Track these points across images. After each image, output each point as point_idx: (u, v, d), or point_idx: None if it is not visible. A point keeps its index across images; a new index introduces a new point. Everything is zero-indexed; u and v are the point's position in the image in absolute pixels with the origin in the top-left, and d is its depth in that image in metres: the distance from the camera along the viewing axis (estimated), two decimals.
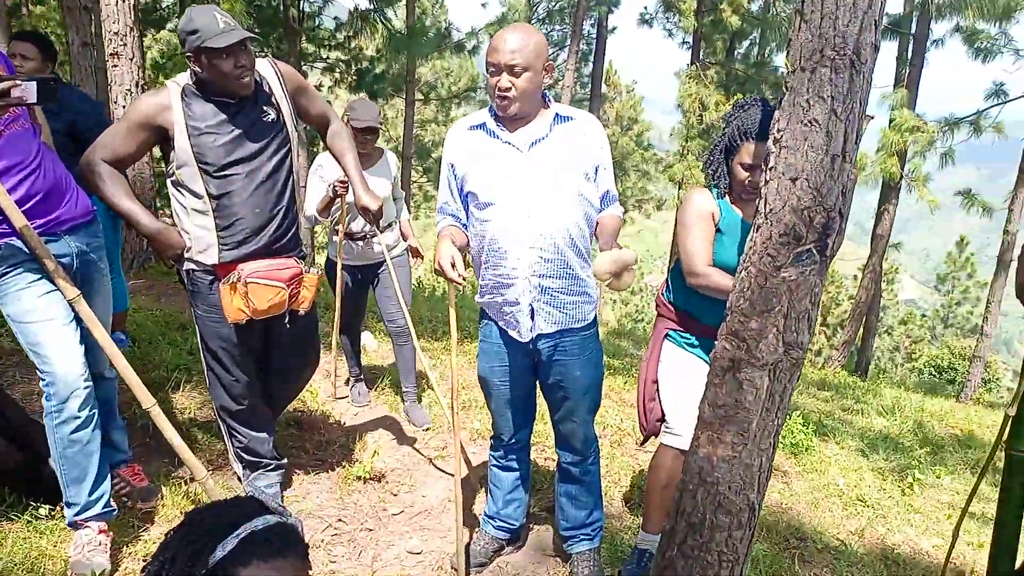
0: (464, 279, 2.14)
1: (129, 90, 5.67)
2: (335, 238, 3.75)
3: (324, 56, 15.78)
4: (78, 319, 2.32)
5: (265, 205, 2.55)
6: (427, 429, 3.84)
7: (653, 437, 2.76)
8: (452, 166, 2.35)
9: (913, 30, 11.79)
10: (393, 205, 3.81)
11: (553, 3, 20.91)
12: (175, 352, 4.04)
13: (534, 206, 2.20)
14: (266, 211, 2.56)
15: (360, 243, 3.76)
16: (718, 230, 2.44)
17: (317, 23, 15.34)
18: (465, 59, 23.03)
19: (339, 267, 3.74)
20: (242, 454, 2.88)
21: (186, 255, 2.57)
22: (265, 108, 2.55)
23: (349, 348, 4.17)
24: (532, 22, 20.67)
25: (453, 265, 2.12)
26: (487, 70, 2.18)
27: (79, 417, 2.27)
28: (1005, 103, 10.97)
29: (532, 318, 2.30)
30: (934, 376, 21.19)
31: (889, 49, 12.36)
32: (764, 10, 15.36)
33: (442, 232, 2.33)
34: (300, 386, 3.16)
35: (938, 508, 3.91)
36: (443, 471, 3.44)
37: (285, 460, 3.04)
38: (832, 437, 4.92)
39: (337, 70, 15.80)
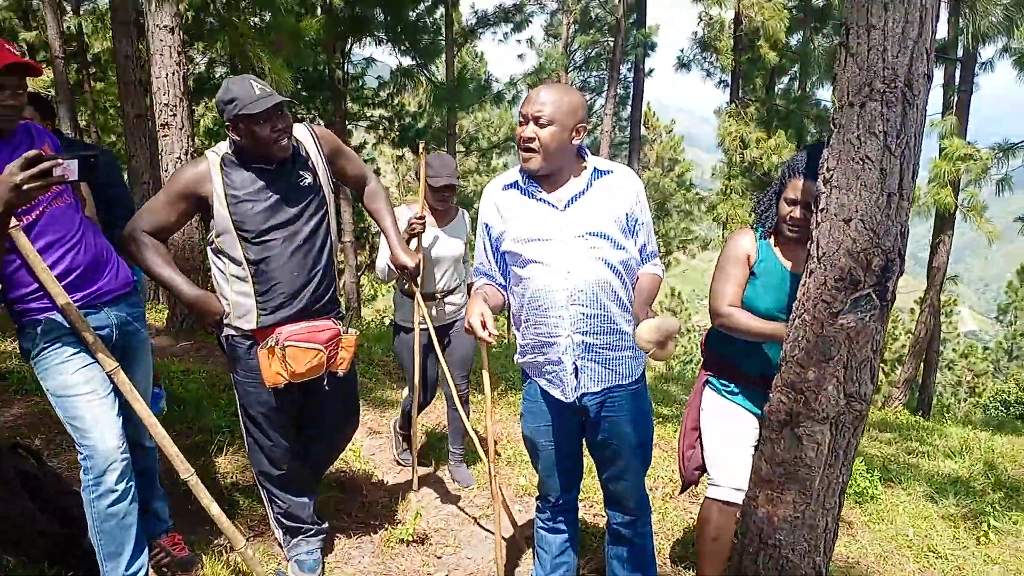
0: (497, 337, 2.07)
1: (179, 158, 5.85)
2: (403, 299, 3.51)
3: (368, 114, 16.23)
4: (117, 391, 2.31)
5: (303, 268, 2.55)
6: (470, 488, 3.73)
7: (693, 486, 2.76)
8: (487, 226, 2.31)
9: (959, 54, 11.53)
10: (464, 266, 3.61)
11: (590, 50, 21.21)
12: (219, 414, 4.04)
13: (573, 263, 2.13)
14: (303, 274, 2.55)
15: (431, 303, 3.48)
16: (753, 273, 2.42)
17: (361, 83, 15.82)
18: (505, 110, 23.43)
19: (417, 330, 3.39)
20: (283, 520, 2.82)
21: (225, 321, 2.57)
22: (302, 172, 2.57)
23: (406, 427, 3.77)
24: (569, 70, 20.97)
25: (484, 325, 2.05)
26: (517, 121, 2.16)
27: (116, 491, 2.25)
28: None
29: (577, 376, 2.21)
30: (1001, 411, 20.18)
31: (935, 76, 12.09)
32: (803, 44, 15.26)
33: (476, 291, 2.28)
34: (341, 447, 3.11)
35: (1018, 558, 3.61)
36: (488, 530, 3.32)
37: (326, 525, 2.96)
38: (898, 483, 4.64)
39: (381, 127, 16.23)
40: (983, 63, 11.92)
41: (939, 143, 10.93)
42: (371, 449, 4.17)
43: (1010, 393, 21.27)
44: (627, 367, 2.24)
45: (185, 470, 2.36)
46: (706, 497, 2.51)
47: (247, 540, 2.80)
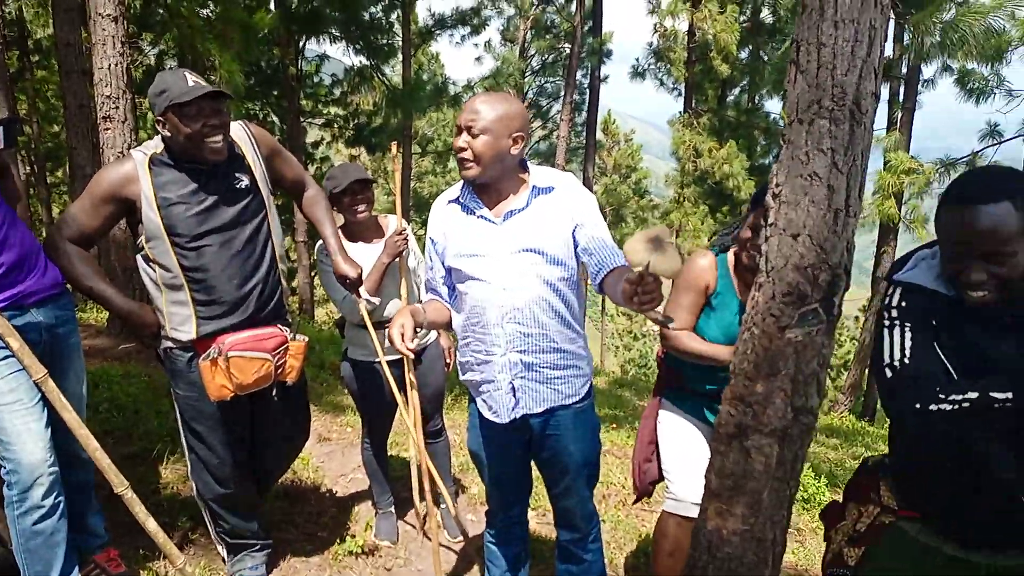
0: (411, 351, 2.02)
1: (121, 152, 5.65)
2: (358, 330, 3.04)
3: (323, 111, 16.02)
4: (45, 399, 2.19)
5: (243, 275, 2.43)
6: (459, 540, 3.28)
7: (646, 497, 2.75)
8: (433, 241, 2.27)
9: (904, 72, 11.93)
10: (418, 285, 3.19)
11: (547, 55, 21.31)
12: (161, 420, 3.90)
13: (509, 279, 2.09)
14: (245, 281, 2.44)
15: (384, 332, 2.83)
16: (709, 304, 2.42)
17: (316, 80, 15.61)
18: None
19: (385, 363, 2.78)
20: (225, 537, 2.72)
21: (162, 333, 2.44)
22: (238, 174, 2.44)
23: (376, 469, 3.30)
24: (526, 74, 21.03)
25: (403, 337, 2.00)
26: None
27: (43, 507, 2.13)
28: (1000, 143, 11.00)
29: (514, 395, 2.17)
30: None
31: (881, 93, 12.51)
32: (752, 57, 15.61)
33: (410, 304, 2.22)
34: (291, 458, 3.01)
35: None
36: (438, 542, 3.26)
37: (271, 541, 2.87)
38: (844, 488, 4.73)
39: (336, 125, 16.02)
40: (926, 80, 12.38)
41: (884, 156, 11.29)
42: (320, 457, 4.09)
43: None
44: (570, 386, 2.20)
45: (119, 483, 2.25)
46: (663, 511, 2.50)
47: (186, 556, 2.70)
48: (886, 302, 1.76)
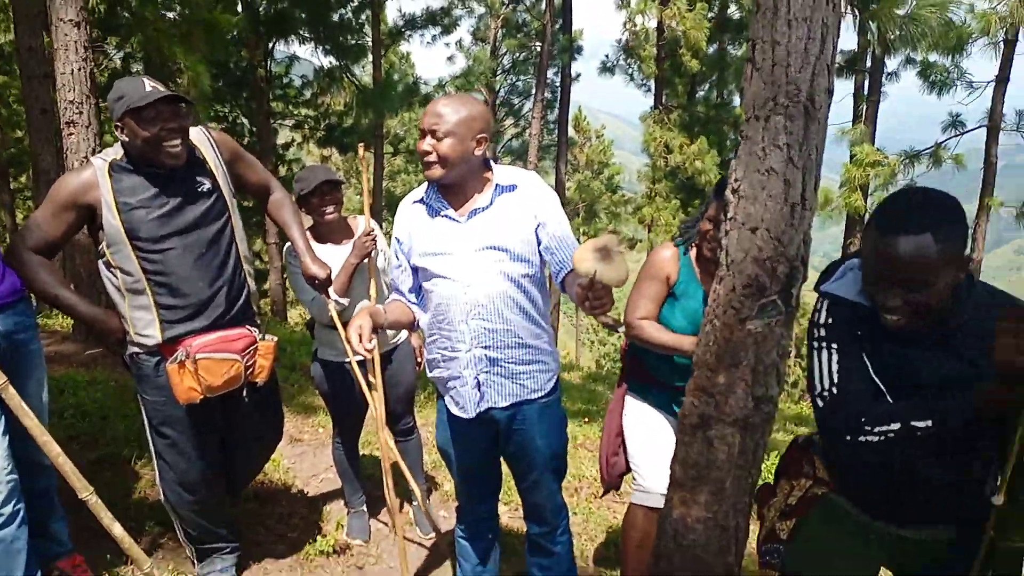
0: (368, 351, 2.04)
1: (85, 157, 5.56)
2: (327, 330, 3.04)
3: (294, 113, 15.89)
4: (4, 407, 2.15)
5: (208, 277, 2.42)
6: (431, 537, 3.29)
7: (614, 490, 2.80)
8: (399, 241, 2.29)
9: (868, 65, 12.13)
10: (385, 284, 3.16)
11: (517, 54, 21.33)
12: (128, 424, 3.86)
13: (474, 276, 2.11)
14: (210, 284, 2.43)
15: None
16: (672, 294, 2.46)
17: (285, 82, 15.48)
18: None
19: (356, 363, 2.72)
20: (194, 544, 2.69)
21: (128, 339, 2.42)
22: (199, 178, 2.43)
23: (347, 468, 3.30)
24: (497, 74, 21.05)
25: (361, 338, 2.03)
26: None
27: (2, 515, 2.09)
28: (962, 134, 11.25)
29: (480, 390, 2.19)
30: None
31: (845, 86, 12.73)
32: (720, 53, 15.78)
33: (371, 305, 2.24)
34: (264, 459, 3.00)
35: None
36: (410, 540, 3.27)
37: (238, 544, 2.84)
38: None
39: (306, 126, 15.90)
40: (890, 73, 12.62)
41: (850, 150, 11.48)
42: (292, 458, 4.07)
43: None
44: (536, 381, 2.22)
45: (83, 488, 2.22)
46: (631, 503, 2.53)
47: (154, 560, 2.68)
48: (815, 318, 1.80)
